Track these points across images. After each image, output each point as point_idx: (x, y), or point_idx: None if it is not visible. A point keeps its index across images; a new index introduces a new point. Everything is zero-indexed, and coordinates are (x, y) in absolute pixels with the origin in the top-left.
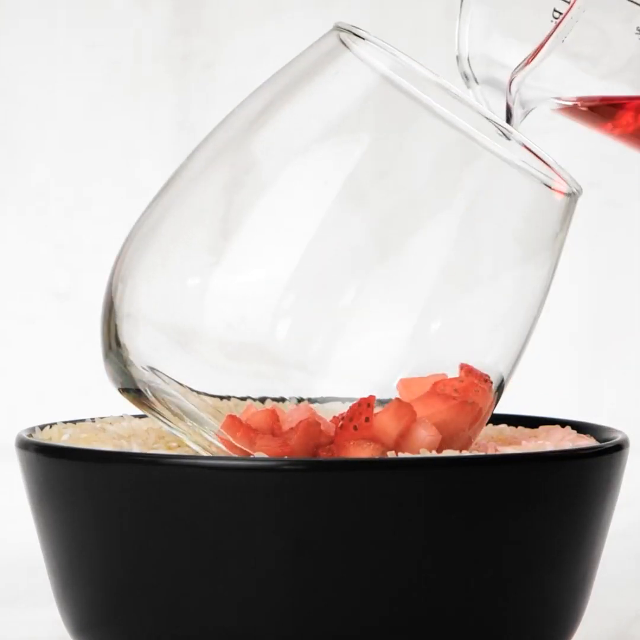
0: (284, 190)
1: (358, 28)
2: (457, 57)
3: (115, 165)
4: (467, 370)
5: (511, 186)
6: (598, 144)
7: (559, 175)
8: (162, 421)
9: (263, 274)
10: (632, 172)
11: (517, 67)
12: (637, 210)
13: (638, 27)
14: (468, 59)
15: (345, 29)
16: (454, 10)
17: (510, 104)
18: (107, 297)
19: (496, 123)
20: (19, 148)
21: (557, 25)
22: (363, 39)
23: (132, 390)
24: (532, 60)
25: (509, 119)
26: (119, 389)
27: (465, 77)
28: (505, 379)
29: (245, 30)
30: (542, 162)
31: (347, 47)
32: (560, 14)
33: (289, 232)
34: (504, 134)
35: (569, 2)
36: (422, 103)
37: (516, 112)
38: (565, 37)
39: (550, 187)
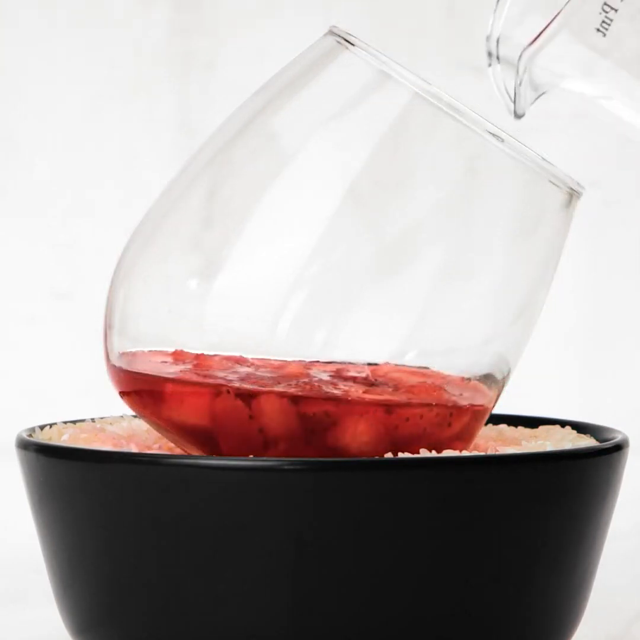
0: (280, 193)
1: (350, 34)
2: (487, 36)
3: (115, 166)
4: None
5: (511, 185)
6: (598, 143)
7: (559, 175)
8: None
9: (261, 276)
10: (631, 172)
11: (527, 44)
12: (637, 210)
13: None
14: (498, 40)
15: (338, 34)
16: (454, 10)
17: (517, 84)
18: (107, 306)
19: (492, 128)
20: (19, 148)
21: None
22: (354, 45)
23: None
24: (539, 38)
25: (516, 101)
26: (120, 393)
27: (489, 55)
28: (505, 378)
29: (245, 30)
30: (541, 162)
31: (341, 52)
32: None
33: (286, 234)
34: (498, 137)
35: None
36: (414, 111)
37: (525, 94)
38: (575, 15)
39: (551, 186)
